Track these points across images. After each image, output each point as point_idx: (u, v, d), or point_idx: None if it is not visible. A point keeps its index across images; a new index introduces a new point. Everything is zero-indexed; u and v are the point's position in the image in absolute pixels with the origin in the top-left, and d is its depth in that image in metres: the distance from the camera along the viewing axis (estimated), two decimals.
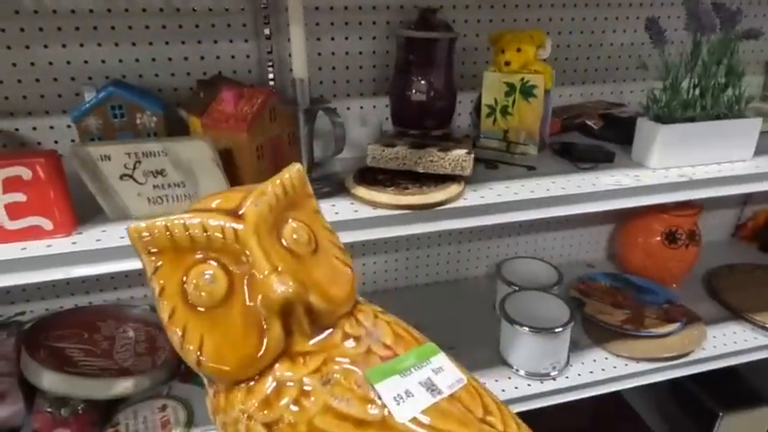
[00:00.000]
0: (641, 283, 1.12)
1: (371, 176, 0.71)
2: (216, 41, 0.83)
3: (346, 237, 0.60)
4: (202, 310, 0.23)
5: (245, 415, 0.22)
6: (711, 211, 1.32)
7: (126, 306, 0.96)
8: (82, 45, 0.78)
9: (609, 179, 0.74)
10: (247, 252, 0.23)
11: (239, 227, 0.23)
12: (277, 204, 0.25)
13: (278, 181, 0.25)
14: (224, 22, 0.82)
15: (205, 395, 0.25)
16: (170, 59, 0.82)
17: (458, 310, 1.06)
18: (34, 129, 0.81)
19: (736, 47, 0.76)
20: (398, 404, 0.22)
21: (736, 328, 1.03)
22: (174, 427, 0.79)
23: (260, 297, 0.22)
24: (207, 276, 0.23)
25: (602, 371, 0.91)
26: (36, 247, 0.55)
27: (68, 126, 0.81)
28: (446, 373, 0.25)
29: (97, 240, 0.57)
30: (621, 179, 0.74)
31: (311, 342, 0.24)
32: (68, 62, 0.79)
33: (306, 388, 0.22)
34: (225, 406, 0.23)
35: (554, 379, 0.89)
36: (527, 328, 0.85)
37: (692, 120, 0.78)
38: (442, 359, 0.26)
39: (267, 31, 0.84)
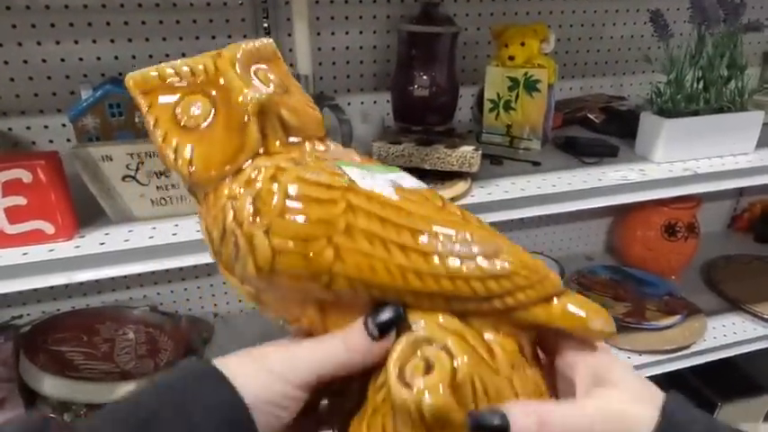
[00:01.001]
0: (641, 275, 1.13)
1: None
2: (214, 37, 0.81)
3: None
4: (191, 128, 0.27)
5: (231, 198, 0.25)
6: (708, 203, 1.32)
7: (125, 308, 0.94)
8: (76, 42, 0.76)
9: (615, 174, 0.74)
10: (225, 77, 0.27)
11: (218, 61, 0.28)
12: (248, 52, 0.29)
13: (249, 42, 0.30)
14: (222, 17, 0.81)
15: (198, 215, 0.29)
16: (167, 56, 0.80)
17: None
18: (28, 128, 0.79)
19: (739, 40, 0.76)
20: (363, 179, 0.26)
21: (735, 319, 1.04)
22: None
23: (238, 102, 0.26)
24: (194, 102, 0.27)
25: None
26: (38, 252, 0.54)
27: (63, 125, 0.79)
28: (408, 180, 0.28)
29: (101, 244, 0.55)
30: (627, 174, 0.74)
31: (283, 149, 0.28)
32: (62, 59, 0.76)
33: (281, 166, 0.26)
34: (214, 201, 0.26)
35: None
36: None
37: (695, 113, 0.78)
38: (403, 174, 0.29)
39: (266, 26, 0.83)
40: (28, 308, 0.91)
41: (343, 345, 0.25)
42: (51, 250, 0.54)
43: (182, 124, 0.27)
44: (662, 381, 1.26)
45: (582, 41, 1.02)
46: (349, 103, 0.93)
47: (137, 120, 0.70)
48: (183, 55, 0.80)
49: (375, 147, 0.70)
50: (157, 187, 0.60)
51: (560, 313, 0.25)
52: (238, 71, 0.27)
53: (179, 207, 0.61)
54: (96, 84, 0.71)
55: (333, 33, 0.87)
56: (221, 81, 0.27)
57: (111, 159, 0.57)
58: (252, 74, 0.28)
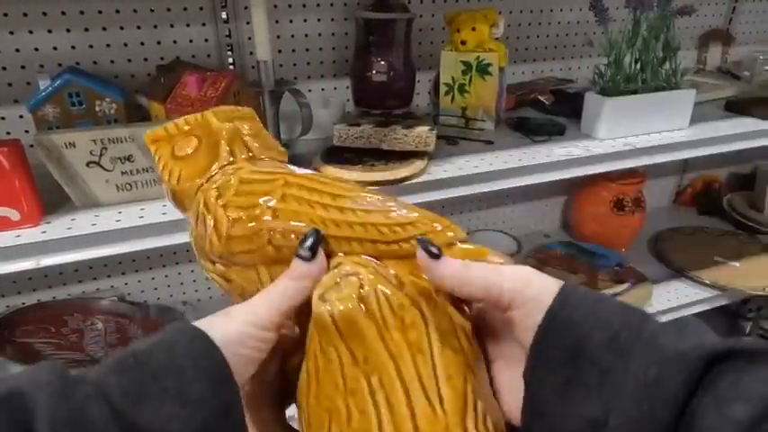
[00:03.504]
0: (593, 249, 1.20)
1: (338, 156, 0.73)
2: (172, 26, 0.82)
3: None
4: (182, 157, 0.36)
5: (203, 192, 0.33)
6: (654, 179, 1.41)
7: (92, 299, 0.94)
8: (31, 32, 0.76)
9: (561, 150, 0.79)
10: (208, 122, 0.36)
11: (205, 113, 0.37)
12: (230, 109, 0.38)
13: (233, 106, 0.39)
14: (180, 5, 0.81)
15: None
16: (126, 45, 0.81)
17: None
18: None
19: (671, 23, 0.82)
20: (301, 170, 0.35)
21: (678, 285, 1.12)
22: None
23: (215, 133, 0.36)
24: (186, 140, 0.37)
25: None
26: (4, 238, 0.54)
27: (21, 116, 0.79)
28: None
29: (68, 229, 0.57)
30: (573, 150, 0.79)
31: (251, 162, 0.36)
32: (17, 50, 0.76)
33: (239, 166, 0.34)
34: (195, 201, 0.34)
35: None
36: None
37: (634, 92, 0.83)
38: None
39: (225, 15, 0.84)
40: None
41: (288, 279, 0.29)
42: (18, 236, 0.55)
43: (178, 158, 0.36)
44: None
45: (532, 27, 1.07)
46: (310, 90, 0.95)
47: (97, 109, 0.71)
48: (142, 44, 0.81)
49: (335, 129, 0.72)
50: (122, 172, 0.61)
51: (460, 252, 0.30)
52: (219, 118, 0.36)
53: (144, 191, 0.63)
54: (54, 74, 0.71)
55: (291, 21, 0.89)
56: (206, 125, 0.36)
57: (75, 146, 0.58)
58: (228, 120, 0.37)
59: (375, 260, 0.30)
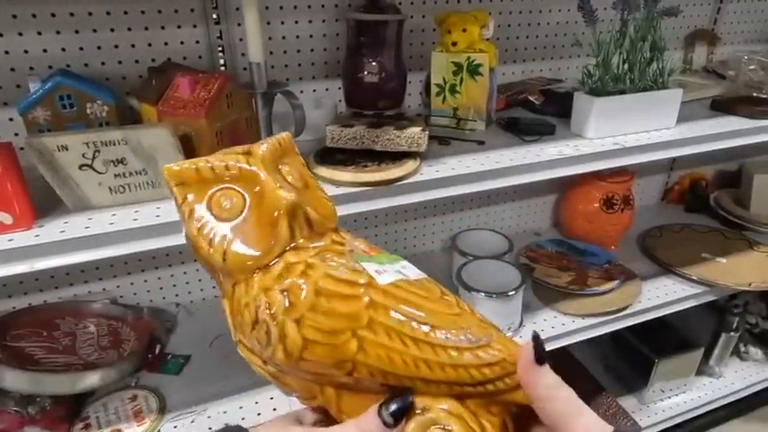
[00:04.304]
0: (583, 246, 1.21)
1: (331, 157, 0.74)
2: (163, 27, 0.82)
3: None
4: (225, 220, 0.30)
5: (264, 290, 0.29)
6: (642, 177, 1.43)
7: (84, 302, 0.94)
8: (21, 34, 0.75)
9: (552, 150, 0.80)
10: (258, 177, 0.30)
11: (250, 159, 0.31)
12: (276, 150, 0.33)
13: (271, 138, 0.33)
14: (171, 7, 0.81)
15: (221, 309, 0.32)
16: (116, 47, 0.81)
17: None
18: None
19: (658, 24, 0.84)
20: (379, 275, 0.30)
21: (666, 281, 1.13)
22: (147, 415, 0.80)
23: (271, 201, 0.30)
24: (227, 196, 0.31)
25: (553, 328, 0.98)
26: None
27: (11, 119, 0.78)
28: (410, 270, 0.33)
29: (61, 232, 0.56)
30: (563, 149, 0.80)
31: (310, 241, 0.31)
32: (6, 52, 0.75)
33: (310, 262, 0.29)
34: (246, 290, 0.29)
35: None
36: (483, 294, 0.91)
37: (622, 92, 0.85)
38: (405, 263, 0.33)
39: (216, 16, 0.84)
40: None
41: (357, 429, 0.28)
42: (11, 240, 0.55)
43: (215, 216, 0.30)
44: (605, 343, 1.35)
45: (521, 27, 1.08)
46: (301, 91, 0.95)
47: (88, 111, 0.71)
48: (133, 46, 0.81)
49: (328, 130, 0.73)
50: (115, 175, 0.61)
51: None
52: (268, 170, 0.31)
53: (138, 194, 0.63)
54: (44, 76, 0.71)
55: (282, 23, 0.89)
56: (253, 178, 0.30)
57: (67, 149, 0.58)
58: (279, 172, 0.32)
59: (458, 401, 0.29)
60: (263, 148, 0.32)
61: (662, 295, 1.09)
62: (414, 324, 0.28)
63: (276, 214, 0.29)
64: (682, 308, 1.09)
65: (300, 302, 0.28)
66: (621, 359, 1.35)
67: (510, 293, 0.91)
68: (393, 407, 0.27)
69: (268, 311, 0.28)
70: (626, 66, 0.84)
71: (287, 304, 0.28)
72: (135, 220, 0.59)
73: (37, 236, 0.56)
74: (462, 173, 0.72)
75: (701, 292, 1.10)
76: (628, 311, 1.03)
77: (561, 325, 0.99)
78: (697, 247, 1.24)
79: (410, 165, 0.72)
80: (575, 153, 0.79)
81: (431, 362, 0.28)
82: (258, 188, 0.30)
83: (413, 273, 0.32)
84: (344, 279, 0.29)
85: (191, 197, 0.30)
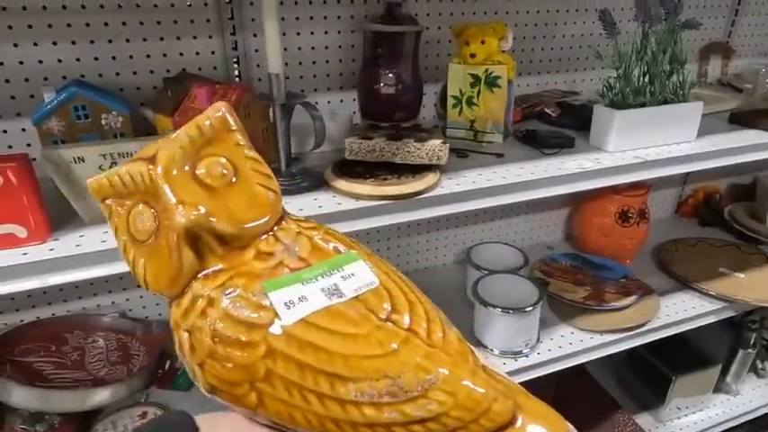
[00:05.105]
0: (598, 261, 1.19)
1: (349, 169, 0.72)
2: (179, 38, 0.81)
3: None
4: (142, 242, 0.27)
5: (175, 324, 0.26)
6: (656, 191, 1.41)
7: (93, 315, 0.92)
8: (36, 44, 0.74)
9: (572, 163, 0.79)
10: (159, 190, 0.26)
11: (152, 169, 0.26)
12: (190, 145, 0.28)
13: (193, 124, 0.28)
14: (187, 18, 0.81)
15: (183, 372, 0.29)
16: (131, 57, 0.80)
17: (430, 297, 1.09)
18: None
19: (678, 36, 0.83)
20: (288, 309, 0.25)
21: (684, 297, 1.11)
22: None
23: (171, 223, 0.26)
24: (138, 215, 0.27)
25: (570, 345, 0.96)
26: (11, 256, 0.53)
27: (23, 130, 0.77)
28: (357, 278, 0.27)
29: (77, 246, 0.55)
30: (584, 163, 0.79)
31: (223, 261, 0.27)
32: (21, 62, 0.75)
33: (211, 297, 0.26)
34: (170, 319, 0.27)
35: (527, 356, 0.93)
36: (500, 309, 0.89)
37: (642, 105, 0.83)
38: (357, 266, 0.28)
39: (232, 27, 0.83)
40: None
41: None
42: (25, 254, 0.53)
43: (134, 236, 0.27)
44: (621, 360, 1.33)
45: (537, 40, 1.07)
46: (316, 102, 0.94)
47: (103, 122, 0.69)
48: (148, 57, 0.80)
49: (347, 143, 0.72)
50: None
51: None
52: (170, 180, 0.26)
53: None
54: (58, 86, 0.70)
55: (298, 34, 0.88)
56: (156, 192, 0.26)
57: (84, 161, 0.57)
58: (191, 174, 0.27)
59: None
60: (167, 150, 0.27)
61: (680, 311, 1.06)
62: (317, 378, 0.24)
63: (175, 239, 0.25)
64: (701, 324, 1.07)
65: (201, 347, 0.25)
66: (637, 376, 1.32)
67: (527, 309, 0.89)
68: None
69: (180, 350, 0.26)
70: (647, 78, 0.83)
71: (188, 347, 0.26)
72: None
73: (51, 249, 0.54)
74: (483, 186, 0.71)
75: (721, 307, 1.08)
76: (647, 327, 1.01)
77: (579, 341, 0.97)
78: (713, 261, 1.22)
79: (430, 178, 0.70)
80: (595, 167, 0.78)
81: (340, 421, 0.24)
82: (162, 203, 0.26)
83: (358, 282, 0.27)
84: (243, 320, 0.25)
85: (115, 213, 0.28)
